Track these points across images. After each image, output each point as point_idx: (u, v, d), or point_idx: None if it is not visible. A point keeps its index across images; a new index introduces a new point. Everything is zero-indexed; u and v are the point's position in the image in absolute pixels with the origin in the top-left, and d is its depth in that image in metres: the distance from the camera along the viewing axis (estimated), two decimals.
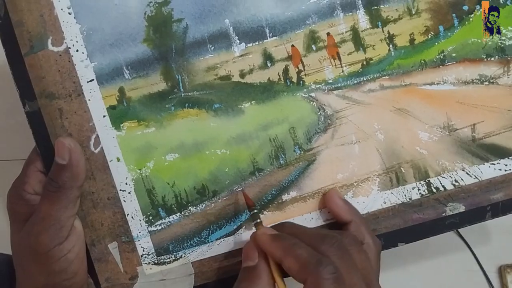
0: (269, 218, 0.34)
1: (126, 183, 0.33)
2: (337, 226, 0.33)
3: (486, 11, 0.33)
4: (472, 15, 0.33)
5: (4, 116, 0.48)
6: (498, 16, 0.33)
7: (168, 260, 0.33)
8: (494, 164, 0.34)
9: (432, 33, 0.33)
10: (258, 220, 0.31)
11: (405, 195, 0.34)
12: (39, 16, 0.31)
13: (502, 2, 0.33)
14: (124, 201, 0.33)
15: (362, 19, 0.33)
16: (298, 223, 0.33)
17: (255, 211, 0.31)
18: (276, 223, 0.32)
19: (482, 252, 0.45)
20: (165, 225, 0.33)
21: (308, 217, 0.34)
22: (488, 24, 0.33)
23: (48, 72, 0.31)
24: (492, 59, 0.34)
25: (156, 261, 0.33)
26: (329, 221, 0.34)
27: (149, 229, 0.33)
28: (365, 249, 0.30)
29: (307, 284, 0.27)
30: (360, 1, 0.33)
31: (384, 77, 0.33)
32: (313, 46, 0.33)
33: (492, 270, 0.45)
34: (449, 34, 0.33)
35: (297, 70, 0.33)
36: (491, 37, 0.33)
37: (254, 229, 0.31)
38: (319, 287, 0.26)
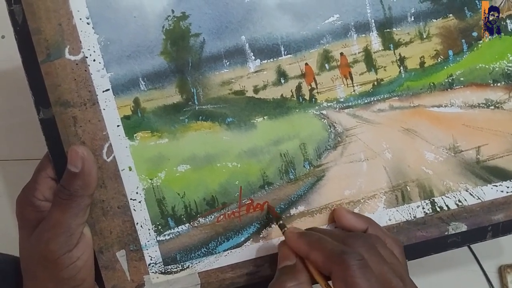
0: (276, 232, 0.34)
1: (137, 192, 0.32)
2: None
3: (486, 11, 0.33)
4: (481, 41, 0.34)
5: (5, 116, 0.47)
6: (498, 16, 0.33)
7: (175, 269, 0.33)
8: (496, 186, 0.34)
9: (442, 57, 0.34)
10: (286, 228, 0.31)
11: (409, 213, 0.34)
12: (58, 25, 0.30)
13: (510, 30, 0.34)
14: (134, 210, 0.32)
15: (374, 41, 0.33)
16: None
17: (281, 222, 0.31)
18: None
19: (482, 252, 0.45)
20: (173, 235, 0.33)
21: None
22: (488, 24, 0.33)
23: (64, 80, 0.31)
24: (499, 84, 0.34)
25: (163, 271, 0.33)
26: None
27: (158, 238, 0.33)
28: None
29: (333, 274, 0.26)
30: (373, 24, 0.33)
31: (393, 98, 0.34)
32: (326, 65, 0.33)
33: (492, 270, 0.45)
34: (458, 58, 0.34)
35: (309, 87, 0.33)
36: (491, 37, 0.33)
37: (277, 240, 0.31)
38: (345, 274, 0.25)
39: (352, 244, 0.27)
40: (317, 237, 0.28)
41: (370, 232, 0.31)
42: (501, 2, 0.33)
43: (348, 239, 0.28)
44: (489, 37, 0.34)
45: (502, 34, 0.34)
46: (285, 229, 0.31)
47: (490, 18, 0.33)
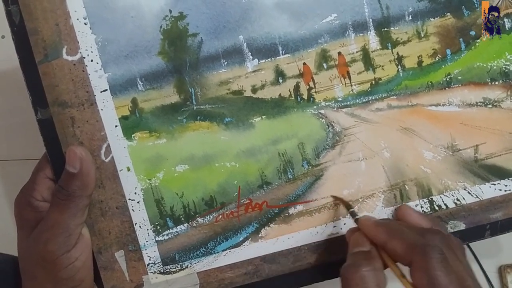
0: (275, 231, 0.33)
1: (135, 193, 0.32)
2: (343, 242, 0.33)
3: (486, 11, 0.33)
4: (479, 40, 0.33)
5: (4, 116, 0.47)
6: (498, 16, 0.33)
7: (174, 269, 0.33)
8: (494, 185, 0.34)
9: (440, 56, 0.34)
10: (357, 216, 0.31)
11: None
12: (55, 25, 0.30)
13: (507, 28, 0.34)
14: (133, 210, 0.32)
15: (372, 40, 0.33)
16: (303, 237, 0.34)
17: (352, 209, 0.32)
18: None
19: (482, 252, 0.45)
20: (172, 235, 0.33)
21: (313, 231, 0.34)
22: (488, 24, 0.33)
23: (61, 81, 0.31)
24: (496, 83, 0.34)
25: (162, 271, 0.33)
26: (333, 235, 0.34)
27: (156, 238, 0.33)
28: None
29: (414, 264, 0.26)
30: (371, 23, 0.33)
31: (392, 97, 0.33)
32: (324, 64, 0.33)
33: (492, 270, 0.45)
34: (456, 57, 0.34)
35: (308, 87, 0.33)
36: (491, 37, 0.33)
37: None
38: (427, 266, 0.26)
39: (432, 238, 0.27)
40: (397, 227, 0.29)
41: None
42: (499, 1, 0.33)
43: (427, 233, 0.28)
44: (488, 36, 0.33)
45: (500, 35, 0.33)
46: (357, 216, 0.31)
47: (490, 18, 0.33)
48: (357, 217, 0.31)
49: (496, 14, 0.33)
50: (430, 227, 0.31)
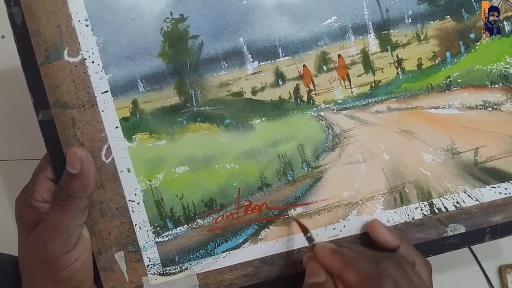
0: (274, 233, 0.33)
1: (136, 194, 0.32)
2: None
3: (486, 11, 0.33)
4: (478, 43, 0.33)
5: (5, 116, 0.47)
6: (498, 16, 0.33)
7: (174, 271, 0.33)
8: (494, 188, 0.34)
9: (439, 58, 0.34)
10: (314, 242, 0.31)
11: (408, 215, 0.34)
12: (56, 27, 0.31)
13: (507, 31, 0.34)
14: (133, 211, 0.32)
15: (372, 42, 0.33)
16: (303, 239, 0.33)
17: (309, 234, 0.31)
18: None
19: (482, 252, 0.45)
20: (172, 237, 0.33)
21: (313, 233, 0.34)
22: (488, 24, 0.33)
23: (62, 82, 0.31)
24: (496, 86, 0.34)
25: (162, 272, 0.33)
26: (332, 237, 0.34)
27: (156, 240, 0.33)
28: (418, 270, 0.30)
29: None
30: (371, 25, 0.33)
31: (391, 100, 0.33)
32: (324, 66, 0.33)
33: (492, 270, 0.45)
34: (455, 60, 0.34)
35: (307, 89, 0.33)
36: (491, 37, 0.33)
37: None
38: None
39: (386, 266, 0.27)
40: (352, 255, 0.28)
41: (401, 250, 0.31)
42: (498, 3, 0.33)
43: (381, 261, 0.28)
44: (487, 38, 0.33)
45: (500, 35, 0.33)
46: (313, 243, 0.30)
47: (490, 18, 0.33)
48: (313, 243, 0.31)
49: (496, 14, 0.33)
50: (398, 244, 0.31)
